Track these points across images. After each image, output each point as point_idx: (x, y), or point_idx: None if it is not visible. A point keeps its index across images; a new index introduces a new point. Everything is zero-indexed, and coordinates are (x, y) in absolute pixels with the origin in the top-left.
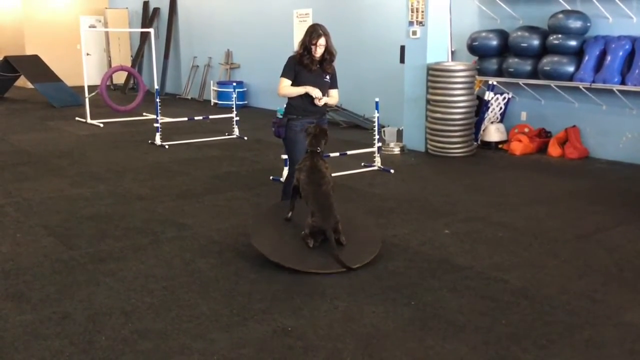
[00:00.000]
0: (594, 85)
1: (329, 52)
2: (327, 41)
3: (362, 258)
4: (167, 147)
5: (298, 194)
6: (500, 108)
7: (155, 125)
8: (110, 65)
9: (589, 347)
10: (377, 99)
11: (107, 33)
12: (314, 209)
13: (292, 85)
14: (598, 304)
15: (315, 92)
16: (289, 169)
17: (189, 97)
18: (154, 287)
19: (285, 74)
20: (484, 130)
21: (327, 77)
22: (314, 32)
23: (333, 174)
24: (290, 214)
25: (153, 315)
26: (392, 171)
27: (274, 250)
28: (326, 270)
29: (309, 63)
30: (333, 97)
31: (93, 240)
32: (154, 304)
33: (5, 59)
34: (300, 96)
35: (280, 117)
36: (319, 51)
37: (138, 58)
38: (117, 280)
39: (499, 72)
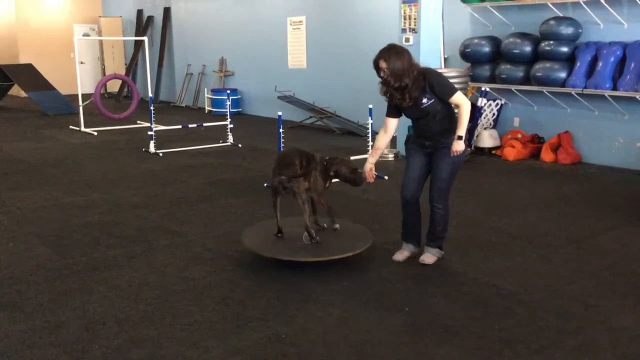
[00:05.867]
0: (586, 91)
1: (394, 76)
2: (387, 63)
3: (355, 246)
4: (161, 154)
5: (277, 199)
6: (493, 114)
7: (149, 133)
8: (104, 74)
9: (582, 351)
10: (370, 106)
11: (101, 41)
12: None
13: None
14: (591, 309)
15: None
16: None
17: (183, 105)
18: (148, 295)
19: (387, 111)
20: (477, 136)
21: (425, 98)
22: (376, 55)
23: None
24: (279, 232)
25: (147, 324)
26: (386, 177)
27: (266, 247)
28: (321, 258)
29: (392, 96)
30: (459, 109)
31: (86, 249)
32: (147, 312)
33: None
34: (414, 120)
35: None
36: (382, 75)
37: (132, 66)
38: (111, 289)
39: (492, 79)
